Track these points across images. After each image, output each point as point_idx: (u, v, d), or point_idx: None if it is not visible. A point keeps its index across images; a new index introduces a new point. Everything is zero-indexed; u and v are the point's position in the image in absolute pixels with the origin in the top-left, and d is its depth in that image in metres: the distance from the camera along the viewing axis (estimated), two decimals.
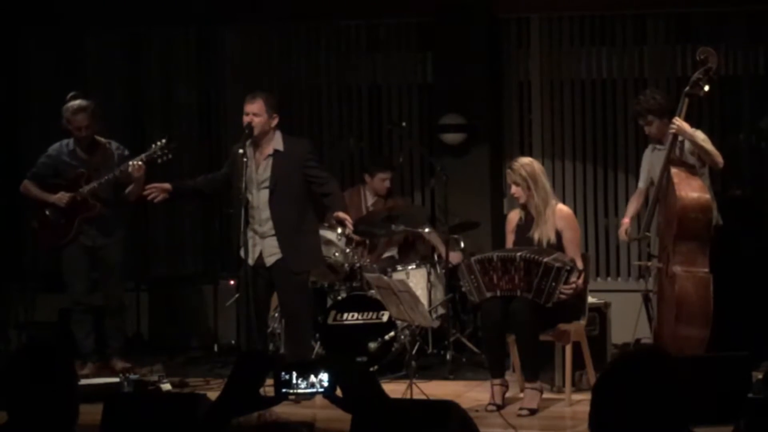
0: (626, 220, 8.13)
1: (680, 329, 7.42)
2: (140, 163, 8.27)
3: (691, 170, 7.64)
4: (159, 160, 8.36)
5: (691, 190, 7.53)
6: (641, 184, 8.12)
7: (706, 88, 7.62)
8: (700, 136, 7.69)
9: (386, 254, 9.47)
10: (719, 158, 7.65)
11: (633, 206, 8.19)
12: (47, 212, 8.56)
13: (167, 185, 7.86)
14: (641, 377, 2.61)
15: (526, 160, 7.58)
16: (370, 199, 9.51)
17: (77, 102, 8.49)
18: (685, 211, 7.49)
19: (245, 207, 7.57)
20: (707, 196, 7.54)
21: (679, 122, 7.57)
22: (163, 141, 8.38)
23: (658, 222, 7.76)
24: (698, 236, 7.52)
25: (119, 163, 8.49)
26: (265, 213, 7.66)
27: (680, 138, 7.65)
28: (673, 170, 7.57)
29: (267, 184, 7.67)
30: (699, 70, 7.62)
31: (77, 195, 8.47)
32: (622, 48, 9.93)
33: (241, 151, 7.56)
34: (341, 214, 7.73)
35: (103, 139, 8.63)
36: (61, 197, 8.49)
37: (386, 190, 9.47)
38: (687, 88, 7.63)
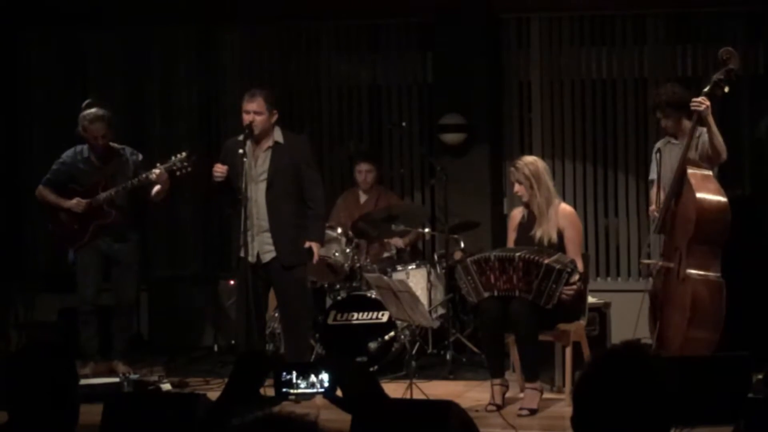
0: (654, 207, 7.98)
1: (692, 332, 7.39)
2: (162, 171, 8.23)
3: (707, 171, 7.57)
4: (178, 173, 8.29)
5: (709, 192, 7.45)
6: (653, 175, 8.01)
7: (726, 89, 7.56)
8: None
9: (385, 254, 9.46)
10: (725, 153, 7.60)
11: (655, 195, 8.00)
12: (61, 216, 8.54)
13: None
14: (619, 375, 2.60)
15: (530, 158, 7.58)
16: (363, 198, 9.52)
17: (94, 110, 8.43)
18: (703, 214, 7.41)
19: (245, 206, 7.56)
20: (725, 198, 7.47)
21: (703, 101, 7.44)
22: (183, 154, 8.29)
23: (667, 221, 7.68)
24: (714, 240, 7.47)
25: (134, 169, 8.50)
26: (263, 206, 7.64)
27: (697, 134, 7.59)
28: (690, 171, 7.50)
29: (265, 176, 7.64)
30: (720, 71, 7.54)
31: (93, 202, 8.45)
32: (622, 48, 9.92)
33: (241, 151, 7.53)
34: (314, 246, 7.74)
35: (117, 145, 8.61)
36: (78, 203, 8.45)
37: (368, 184, 9.45)
38: (707, 88, 7.54)
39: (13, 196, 10.40)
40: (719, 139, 7.53)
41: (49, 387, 3.27)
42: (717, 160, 7.61)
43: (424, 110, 10.25)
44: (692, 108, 7.49)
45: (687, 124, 7.62)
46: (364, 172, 9.44)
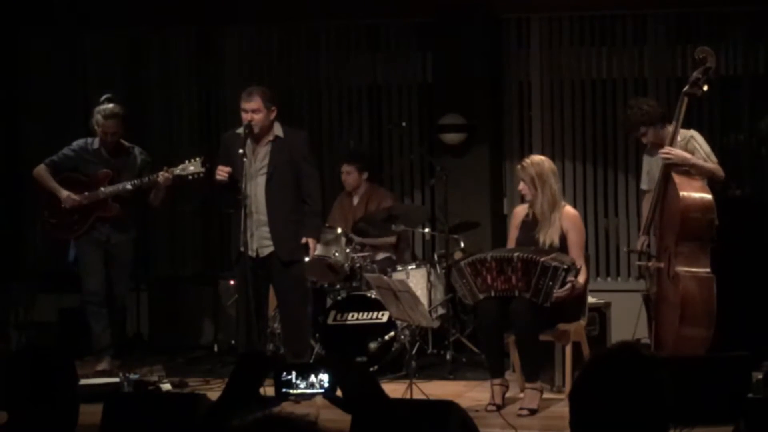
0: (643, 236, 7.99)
1: (684, 330, 7.41)
2: (169, 176, 8.24)
3: (691, 170, 7.63)
4: (189, 177, 8.27)
5: (693, 190, 7.52)
6: (644, 186, 8.06)
7: (705, 88, 7.60)
8: (698, 140, 7.65)
9: (383, 255, 9.46)
10: (720, 172, 7.61)
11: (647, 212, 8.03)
12: (63, 205, 8.53)
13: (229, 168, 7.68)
14: (617, 376, 2.60)
15: (537, 158, 7.52)
16: (355, 200, 9.50)
17: (110, 106, 8.44)
18: (687, 212, 7.47)
19: (244, 205, 7.56)
20: (709, 196, 7.53)
21: (671, 151, 7.51)
22: (197, 159, 8.26)
23: (656, 222, 7.73)
24: (700, 236, 7.51)
25: (141, 168, 8.51)
26: (262, 201, 7.65)
27: (679, 139, 7.63)
28: (673, 170, 7.56)
29: (265, 170, 7.65)
30: (698, 70, 7.61)
31: (89, 197, 8.43)
32: (622, 48, 9.93)
33: (241, 151, 7.54)
34: (310, 242, 7.74)
35: (127, 143, 8.62)
36: (67, 198, 8.46)
37: (351, 186, 9.44)
38: (686, 88, 7.61)
39: (13, 197, 10.40)
40: (706, 168, 7.55)
41: (49, 387, 3.27)
42: (717, 180, 7.63)
43: (424, 110, 10.25)
44: (662, 159, 7.51)
45: (667, 131, 7.62)
46: (344, 173, 9.44)
